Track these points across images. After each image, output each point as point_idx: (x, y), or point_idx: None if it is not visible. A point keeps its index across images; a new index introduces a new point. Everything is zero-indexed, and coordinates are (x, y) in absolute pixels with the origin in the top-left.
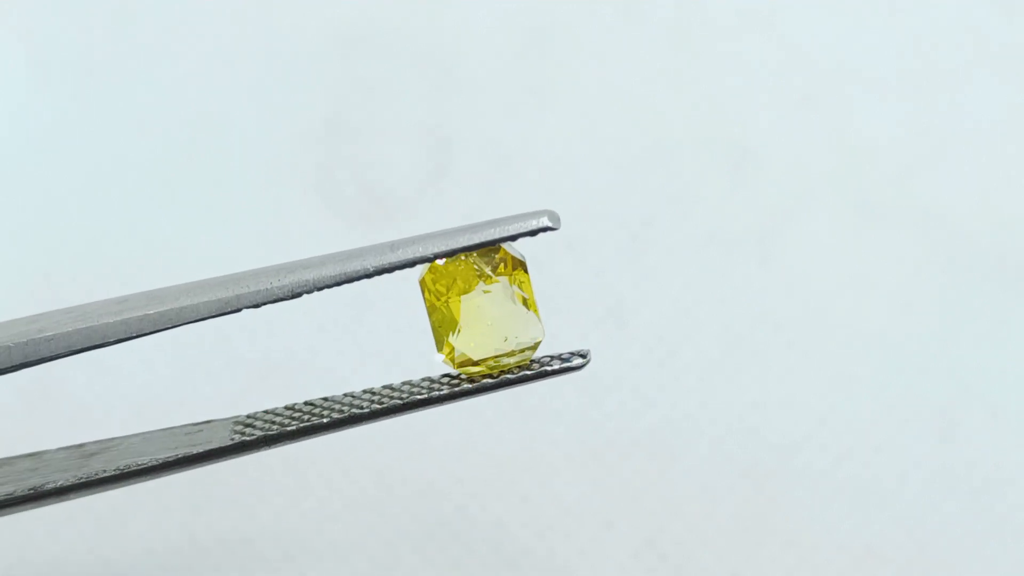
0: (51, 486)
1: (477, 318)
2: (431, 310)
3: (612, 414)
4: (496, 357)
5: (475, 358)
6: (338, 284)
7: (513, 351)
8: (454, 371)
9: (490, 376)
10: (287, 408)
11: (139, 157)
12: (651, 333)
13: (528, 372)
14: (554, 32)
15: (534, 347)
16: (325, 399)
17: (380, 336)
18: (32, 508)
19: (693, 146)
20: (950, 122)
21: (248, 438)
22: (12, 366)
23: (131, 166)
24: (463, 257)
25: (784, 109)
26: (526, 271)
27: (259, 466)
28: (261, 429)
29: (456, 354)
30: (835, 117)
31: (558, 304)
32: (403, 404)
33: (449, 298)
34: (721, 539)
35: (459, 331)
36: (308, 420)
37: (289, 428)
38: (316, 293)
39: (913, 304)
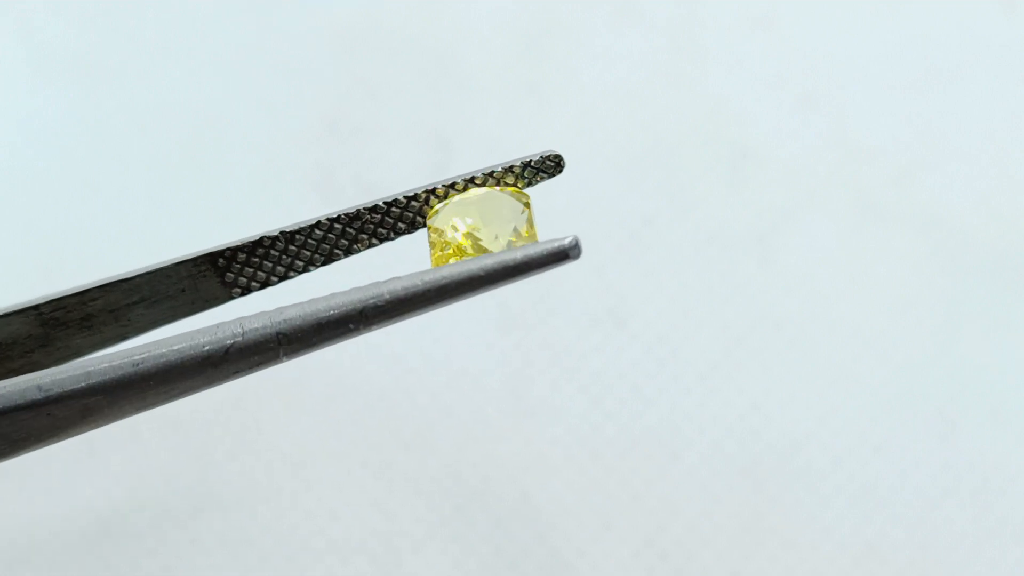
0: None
1: (471, 203)
2: (434, 243)
3: (612, 414)
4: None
5: (461, 227)
6: (354, 216)
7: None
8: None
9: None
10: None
11: (139, 157)
12: (651, 333)
13: (513, 256)
14: (554, 32)
15: (524, 207)
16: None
17: (381, 334)
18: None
19: (693, 146)
20: (950, 122)
21: (232, 340)
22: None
23: (131, 166)
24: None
25: (784, 109)
26: (530, 207)
27: (260, 465)
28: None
29: (445, 222)
30: (835, 117)
31: (558, 304)
32: (392, 300)
33: (450, 221)
34: (721, 539)
35: (452, 209)
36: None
37: (268, 333)
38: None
39: (913, 304)
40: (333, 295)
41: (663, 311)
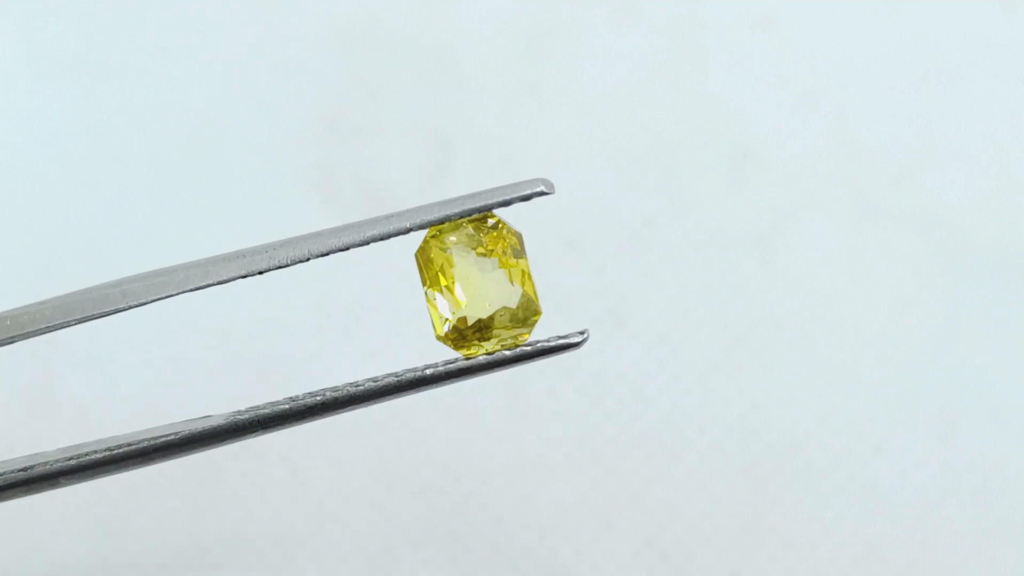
0: (41, 469)
1: (469, 279)
2: (425, 279)
3: (612, 414)
4: (491, 330)
5: (468, 317)
6: (335, 251)
7: (508, 324)
8: (452, 353)
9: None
10: (288, 399)
11: (139, 157)
12: (651, 333)
13: (525, 349)
14: (554, 32)
15: (531, 323)
16: (327, 388)
17: (379, 338)
18: (23, 494)
19: (693, 146)
20: (950, 122)
21: (242, 418)
22: (10, 337)
23: (131, 166)
24: (461, 228)
25: (784, 109)
26: (523, 246)
27: (259, 466)
28: (258, 414)
29: (448, 315)
30: (835, 117)
31: (558, 304)
32: (398, 383)
33: (443, 265)
34: (721, 539)
35: (452, 291)
36: (305, 402)
37: (285, 409)
38: (315, 262)
39: (913, 304)
40: (355, 382)
41: (663, 311)
